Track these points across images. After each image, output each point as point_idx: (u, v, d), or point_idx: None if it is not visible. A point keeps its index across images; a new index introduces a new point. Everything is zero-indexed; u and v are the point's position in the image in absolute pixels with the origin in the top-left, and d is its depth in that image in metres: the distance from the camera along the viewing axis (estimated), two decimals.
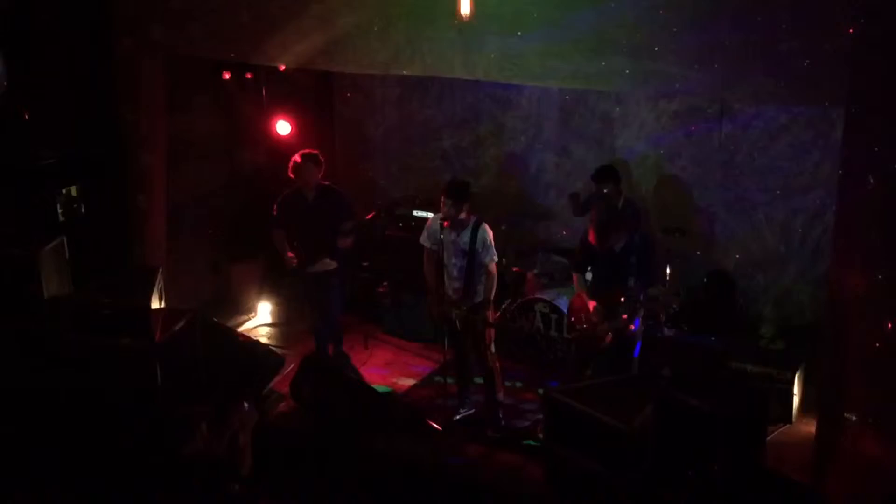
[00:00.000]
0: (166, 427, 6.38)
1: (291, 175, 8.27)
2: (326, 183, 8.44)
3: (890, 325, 5.45)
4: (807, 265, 8.70)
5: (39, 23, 7.42)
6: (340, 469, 7.09)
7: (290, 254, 8.42)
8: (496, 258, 7.54)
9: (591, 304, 7.31)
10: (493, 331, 7.67)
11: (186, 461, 5.78)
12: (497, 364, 7.70)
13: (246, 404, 6.29)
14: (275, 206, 8.43)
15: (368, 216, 8.37)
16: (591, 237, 7.17)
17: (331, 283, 8.55)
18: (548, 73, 7.50)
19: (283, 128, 9.70)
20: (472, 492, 6.76)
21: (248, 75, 9.62)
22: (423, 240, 7.76)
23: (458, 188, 7.48)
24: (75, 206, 8.12)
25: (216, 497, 5.70)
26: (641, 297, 7.11)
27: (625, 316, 7.09)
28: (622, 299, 7.11)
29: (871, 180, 5.47)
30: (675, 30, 6.54)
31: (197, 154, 9.40)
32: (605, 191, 8.31)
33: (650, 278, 7.26)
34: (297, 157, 8.25)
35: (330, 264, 8.43)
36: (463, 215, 7.41)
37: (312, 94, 10.58)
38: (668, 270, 8.42)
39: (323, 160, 8.35)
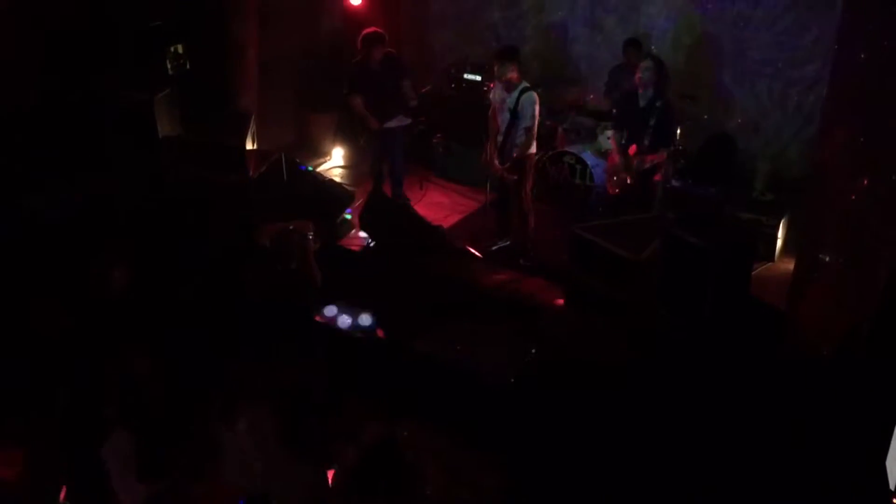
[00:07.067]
0: (259, 247, 6.50)
1: (359, 47, 8.02)
2: (387, 51, 8.15)
3: (866, 181, 5.34)
4: (799, 129, 8.47)
5: None
6: (396, 282, 7.24)
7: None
8: (535, 123, 7.31)
9: (632, 149, 7.29)
10: (529, 180, 7.58)
11: (282, 273, 5.88)
12: (531, 206, 7.66)
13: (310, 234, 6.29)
14: (348, 78, 8.18)
15: (424, 90, 8.15)
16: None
17: (401, 137, 8.44)
18: None
19: None
20: (507, 305, 6.90)
21: None
22: (491, 95, 7.65)
23: (503, 51, 7.29)
24: (181, 61, 8.06)
25: (298, 303, 5.83)
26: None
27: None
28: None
29: (863, 55, 5.27)
30: None
31: (283, 21, 9.20)
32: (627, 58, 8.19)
33: (662, 141, 7.20)
34: (366, 35, 7.96)
35: (404, 120, 8.31)
36: (510, 76, 7.20)
37: None
38: (678, 130, 8.26)
39: (386, 37, 8.06)
